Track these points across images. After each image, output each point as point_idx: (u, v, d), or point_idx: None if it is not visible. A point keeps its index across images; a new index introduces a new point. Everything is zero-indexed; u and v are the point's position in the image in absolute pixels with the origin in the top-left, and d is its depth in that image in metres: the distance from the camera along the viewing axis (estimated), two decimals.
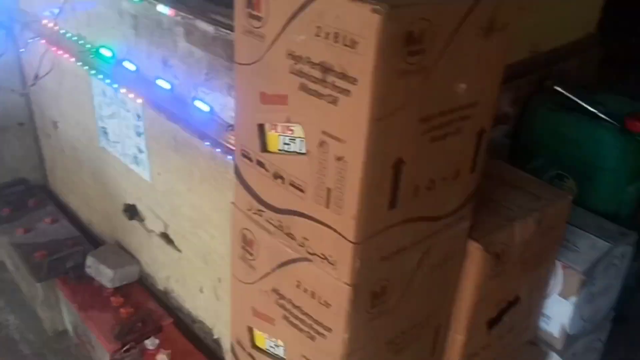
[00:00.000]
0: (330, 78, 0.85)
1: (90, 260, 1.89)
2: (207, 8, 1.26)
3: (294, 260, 1.04)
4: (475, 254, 1.17)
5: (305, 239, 1.00)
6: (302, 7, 0.86)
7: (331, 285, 0.99)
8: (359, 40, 0.80)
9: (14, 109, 2.18)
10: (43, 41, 1.84)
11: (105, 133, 1.78)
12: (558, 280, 1.46)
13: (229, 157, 1.29)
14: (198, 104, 1.37)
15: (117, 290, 1.85)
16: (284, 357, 1.15)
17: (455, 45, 0.88)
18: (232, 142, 1.27)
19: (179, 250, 1.68)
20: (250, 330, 1.22)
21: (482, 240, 1.16)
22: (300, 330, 1.08)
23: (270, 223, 1.06)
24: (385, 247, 0.98)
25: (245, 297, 1.20)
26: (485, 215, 1.22)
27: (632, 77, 2.44)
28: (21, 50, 2.01)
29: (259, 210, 1.08)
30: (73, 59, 1.74)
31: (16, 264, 2.04)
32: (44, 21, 1.83)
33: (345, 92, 0.84)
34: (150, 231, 1.77)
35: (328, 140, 0.90)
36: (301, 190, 0.97)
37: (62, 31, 1.75)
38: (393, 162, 0.90)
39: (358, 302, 0.99)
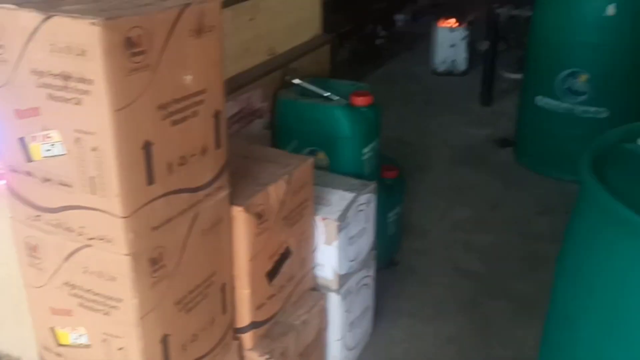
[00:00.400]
0: (72, 84, 1.03)
1: None
2: None
3: (77, 250, 1.19)
4: (239, 216, 1.42)
5: (82, 227, 1.16)
6: (34, 31, 1.03)
7: (112, 260, 1.16)
8: (87, 48, 0.99)
9: None
10: None
11: None
12: (320, 231, 1.78)
13: (2, 181, 1.39)
14: None
15: None
16: (89, 342, 1.29)
17: (172, 45, 1.11)
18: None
19: None
20: (53, 330, 1.32)
21: (243, 204, 1.42)
22: (96, 310, 1.23)
23: (49, 224, 1.20)
24: (153, 218, 1.18)
25: (41, 300, 1.30)
26: (244, 185, 1.48)
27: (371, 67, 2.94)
28: None
29: (37, 216, 1.21)
30: None
31: None
32: None
33: (86, 92, 1.03)
34: None
35: (81, 136, 1.07)
36: (69, 186, 1.13)
37: None
38: (142, 145, 1.11)
39: (139, 269, 1.17)
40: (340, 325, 1.90)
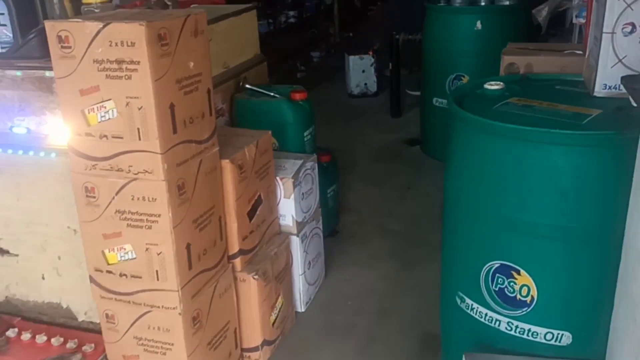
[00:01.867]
0: (124, 65, 1.61)
1: None
2: (9, 61, 1.87)
3: (126, 184, 1.73)
4: (227, 166, 2.01)
5: (131, 166, 1.71)
6: (97, 34, 1.61)
7: (153, 186, 1.71)
8: (136, 41, 1.58)
9: None
10: None
11: None
12: (280, 188, 2.39)
13: (53, 154, 1.90)
14: (16, 129, 1.94)
15: None
16: (135, 256, 1.81)
17: (182, 40, 1.72)
18: (54, 144, 1.90)
19: (15, 255, 2.13)
20: (103, 253, 1.84)
21: (229, 158, 2.01)
22: (141, 227, 1.77)
23: (104, 169, 1.74)
24: (177, 157, 1.75)
25: (94, 231, 1.82)
26: (228, 148, 2.07)
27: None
28: None
29: (93, 165, 1.75)
30: None
31: None
32: None
33: (135, 70, 1.61)
34: None
35: (131, 100, 1.64)
36: (121, 138, 1.69)
37: None
38: (169, 105, 1.69)
39: (171, 191, 1.73)
40: (301, 262, 2.49)
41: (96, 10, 1.90)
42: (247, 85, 2.70)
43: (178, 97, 1.73)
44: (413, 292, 2.66)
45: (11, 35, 1.88)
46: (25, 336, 2.07)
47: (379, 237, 3.15)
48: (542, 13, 3.74)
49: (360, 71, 5.56)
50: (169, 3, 2.32)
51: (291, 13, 6.35)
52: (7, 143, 1.96)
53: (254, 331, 2.21)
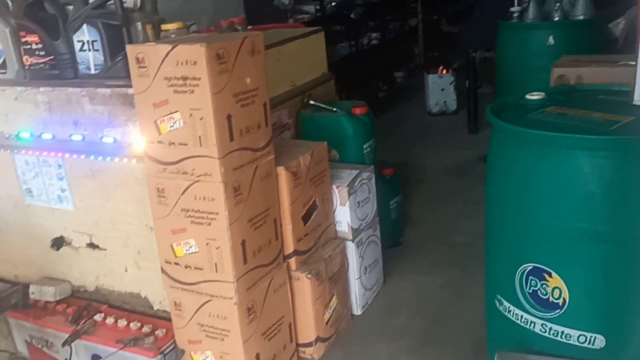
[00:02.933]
0: (188, 81, 1.86)
1: (32, 288, 2.54)
2: (101, 81, 2.20)
3: (190, 185, 1.98)
4: (281, 173, 2.22)
5: (194, 169, 1.96)
6: (166, 56, 1.88)
7: (213, 187, 1.95)
8: (197, 60, 1.83)
9: None
10: None
11: (30, 192, 2.52)
12: (337, 196, 2.56)
13: (134, 161, 2.20)
14: (106, 139, 2.26)
15: (59, 302, 2.52)
16: (197, 250, 2.05)
17: (240, 59, 1.95)
18: (135, 151, 2.19)
19: (103, 249, 2.44)
20: (172, 247, 2.09)
21: (284, 165, 2.22)
22: (202, 224, 2.00)
23: (172, 172, 2.00)
24: (234, 163, 1.97)
25: (164, 227, 2.08)
26: (284, 156, 2.28)
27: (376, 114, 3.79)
28: None
29: (163, 169, 2.01)
30: None
31: None
32: None
33: (197, 85, 1.86)
34: (77, 248, 2.50)
35: (194, 112, 1.89)
36: (186, 144, 1.94)
37: None
38: (226, 116, 1.92)
39: (228, 192, 1.96)
40: (357, 267, 2.63)
41: (172, 36, 2.19)
42: (311, 102, 2.91)
43: (235, 109, 1.96)
44: (470, 300, 2.71)
45: (103, 58, 2.21)
46: (109, 320, 2.37)
47: (442, 249, 3.22)
48: (619, 27, 3.69)
49: (440, 89, 5.63)
50: (238, 28, 2.59)
51: (374, 35, 6.53)
52: (98, 151, 2.28)
53: (308, 327, 2.38)
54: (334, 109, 2.86)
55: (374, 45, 6.49)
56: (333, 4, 5.73)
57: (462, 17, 7.80)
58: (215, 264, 2.03)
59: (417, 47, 7.84)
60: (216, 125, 1.89)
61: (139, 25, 2.20)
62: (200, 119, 1.89)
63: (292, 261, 2.32)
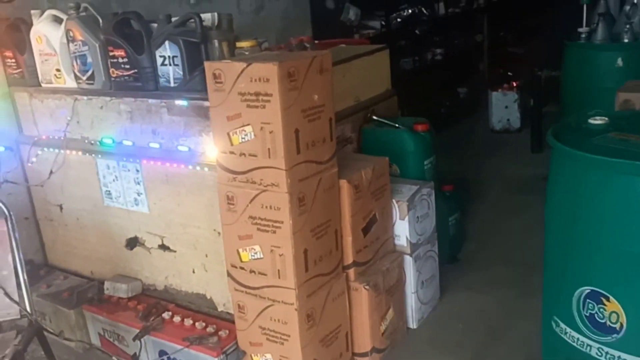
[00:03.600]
0: (260, 97, 1.98)
1: (107, 284, 2.73)
2: (179, 93, 2.36)
3: (258, 194, 2.10)
4: (344, 186, 2.30)
5: (262, 179, 2.07)
6: (241, 72, 2.01)
7: (279, 197, 2.05)
8: (269, 78, 1.95)
9: (21, 207, 3.01)
10: (52, 149, 2.79)
11: (109, 194, 2.71)
12: (396, 210, 2.62)
13: (205, 169, 2.34)
14: (181, 147, 2.42)
15: (131, 298, 2.69)
16: (262, 256, 2.16)
17: (309, 77, 2.06)
18: (207, 160, 2.34)
19: (174, 251, 2.60)
20: (238, 252, 2.21)
21: (346, 178, 2.30)
22: (267, 231, 2.11)
23: (241, 181, 2.12)
24: (299, 174, 2.08)
25: (232, 232, 2.20)
26: (348, 168, 2.36)
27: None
28: (29, 163, 2.91)
29: (234, 178, 2.14)
30: (80, 153, 2.71)
31: (47, 311, 2.78)
32: (50, 136, 2.81)
33: (268, 101, 1.97)
34: (149, 248, 2.67)
35: (264, 126, 2.01)
36: (255, 156, 2.06)
37: (69, 138, 2.73)
38: (294, 130, 2.03)
39: (293, 202, 2.06)
40: (413, 281, 2.68)
41: (246, 53, 2.32)
42: (374, 117, 2.99)
43: (302, 124, 2.06)
44: (527, 318, 2.70)
45: (182, 73, 2.36)
46: (176, 319, 2.51)
47: (500, 266, 3.22)
48: None
49: (503, 107, 5.59)
50: (307, 45, 2.70)
51: (438, 50, 6.54)
52: (173, 158, 2.44)
53: (364, 337, 2.45)
54: (396, 125, 2.93)
55: (437, 60, 6.50)
56: (398, 19, 5.80)
57: (527, 35, 7.72)
58: (278, 271, 2.13)
59: (482, 63, 7.79)
60: (284, 138, 1.99)
61: (215, 42, 2.34)
62: (270, 132, 2.00)
63: (351, 272, 2.39)
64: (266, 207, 2.09)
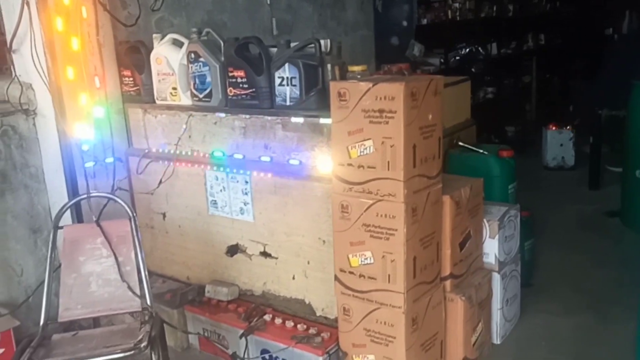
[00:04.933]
0: (384, 114, 2.18)
1: (208, 287, 2.91)
2: (295, 111, 2.58)
3: (373, 204, 2.27)
4: (447, 201, 2.47)
5: (378, 190, 2.25)
6: (366, 91, 2.21)
7: (394, 207, 2.23)
8: (395, 96, 2.15)
9: (123, 215, 3.23)
10: (161, 161, 3.02)
11: (215, 203, 2.91)
12: (487, 229, 2.77)
13: (315, 181, 2.54)
14: (292, 161, 2.62)
15: (230, 302, 2.86)
16: (372, 261, 2.33)
17: (426, 98, 2.26)
18: (317, 173, 2.53)
19: (275, 258, 2.77)
20: (347, 257, 2.38)
21: (450, 195, 2.47)
22: (380, 238, 2.28)
23: (357, 191, 2.30)
24: (413, 186, 2.26)
25: (343, 239, 2.37)
26: (449, 188, 2.53)
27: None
28: (138, 173, 3.14)
29: (350, 188, 2.32)
30: (189, 165, 2.93)
31: None
32: (160, 149, 3.04)
33: (391, 117, 2.17)
34: (250, 255, 2.85)
35: (385, 140, 2.20)
36: (374, 168, 2.25)
37: (179, 151, 2.96)
38: (412, 145, 2.22)
39: (407, 212, 2.23)
40: (500, 297, 2.81)
41: (358, 76, 2.54)
42: (460, 143, 3.18)
43: (419, 140, 2.25)
44: (607, 345, 2.80)
45: (298, 92, 2.58)
46: (277, 320, 2.68)
47: (572, 294, 3.33)
48: None
49: (558, 145, 5.74)
50: (405, 73, 2.92)
51: (490, 89, 6.76)
52: (284, 171, 2.65)
53: (457, 346, 2.57)
54: (482, 151, 3.11)
55: (489, 99, 6.72)
56: (456, 57, 6.05)
57: (574, 75, 7.92)
58: (389, 275, 2.29)
59: (529, 104, 7.98)
60: (405, 152, 2.18)
61: (329, 66, 2.57)
62: (391, 146, 2.19)
63: (448, 283, 2.54)
64: (381, 215, 2.27)
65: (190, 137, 2.96)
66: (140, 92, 3.11)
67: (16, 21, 2.78)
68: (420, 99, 2.22)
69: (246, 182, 2.79)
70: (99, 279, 2.51)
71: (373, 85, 2.20)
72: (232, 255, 2.93)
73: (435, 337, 2.49)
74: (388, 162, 2.22)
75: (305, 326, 2.61)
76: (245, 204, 2.83)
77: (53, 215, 2.93)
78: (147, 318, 2.39)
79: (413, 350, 2.35)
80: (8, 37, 2.91)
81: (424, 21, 5.50)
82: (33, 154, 3.01)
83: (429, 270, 2.41)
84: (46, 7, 2.76)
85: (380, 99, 2.19)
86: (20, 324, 2.74)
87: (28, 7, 2.74)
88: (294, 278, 2.76)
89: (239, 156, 2.81)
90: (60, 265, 2.52)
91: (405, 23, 5.29)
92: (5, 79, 3.04)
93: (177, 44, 2.96)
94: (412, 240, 2.27)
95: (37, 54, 2.78)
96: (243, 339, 2.63)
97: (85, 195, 2.67)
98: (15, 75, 2.98)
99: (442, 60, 5.79)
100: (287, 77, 2.60)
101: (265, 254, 2.83)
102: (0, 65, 3.25)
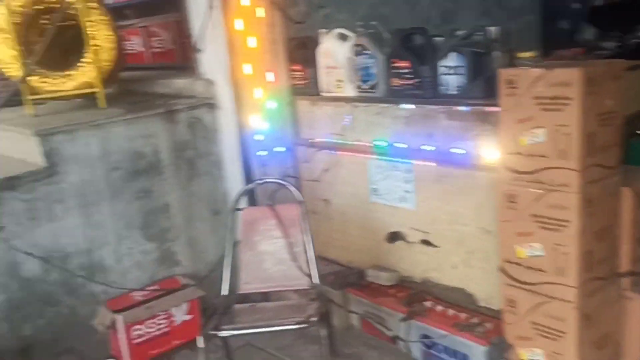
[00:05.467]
0: (558, 101, 2.10)
1: (370, 271, 3.03)
2: (459, 100, 2.58)
3: (545, 194, 2.20)
4: (627, 193, 2.31)
5: (551, 179, 2.18)
6: (539, 78, 2.15)
7: (568, 197, 2.14)
8: (571, 82, 2.06)
9: (289, 201, 3.47)
10: (326, 150, 3.19)
11: (376, 191, 3.02)
12: None
13: (480, 170, 2.52)
14: (454, 150, 2.63)
15: (390, 287, 2.96)
16: (542, 253, 2.26)
17: (605, 83, 2.13)
18: (482, 162, 2.51)
19: (436, 246, 2.81)
20: (514, 248, 2.33)
21: (630, 186, 2.32)
22: (550, 229, 2.21)
23: (526, 181, 2.25)
24: (589, 177, 2.15)
25: (510, 229, 2.33)
26: (629, 178, 2.37)
27: None
28: (304, 162, 3.34)
29: (518, 178, 2.27)
30: (353, 154, 3.07)
31: None
32: (325, 139, 3.21)
33: (567, 104, 2.09)
34: (411, 243, 2.92)
35: (559, 128, 2.12)
36: (546, 157, 2.18)
37: (343, 141, 3.10)
38: (588, 133, 2.12)
39: (582, 203, 2.13)
40: None
41: (528, 62, 2.46)
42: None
43: (596, 128, 2.14)
44: None
45: (464, 81, 2.58)
46: (438, 308, 2.71)
47: None
48: None
49: None
50: (579, 58, 2.76)
51: None
52: (448, 160, 2.66)
53: (635, 348, 2.41)
54: None
55: None
56: (636, 39, 5.53)
57: None
58: (560, 268, 2.21)
59: None
60: (580, 140, 2.09)
61: (499, 53, 2.52)
62: (566, 134, 2.11)
63: (626, 280, 2.38)
64: (552, 206, 2.19)
65: (354, 127, 3.08)
66: (308, 85, 3.30)
67: (202, 23, 3.09)
68: (598, 84, 2.11)
69: (409, 170, 2.84)
70: (272, 258, 2.73)
71: (547, 71, 2.13)
72: (392, 242, 3.01)
73: (609, 337, 2.35)
74: (562, 150, 2.14)
75: (466, 315, 2.61)
76: (406, 192, 2.88)
77: (229, 199, 3.23)
78: (315, 296, 2.56)
79: (585, 347, 2.25)
80: (194, 39, 3.25)
81: (598, 2, 5.11)
82: (214, 144, 3.33)
83: (604, 265, 2.28)
84: (228, 10, 3.03)
85: (554, 85, 2.11)
86: (205, 294, 3.07)
87: (213, 10, 3.03)
88: (455, 267, 2.77)
89: (401, 145, 2.87)
90: (237, 243, 2.77)
91: (576, 5, 4.96)
92: (191, 76, 3.40)
93: (342, 38, 3.09)
94: (586, 232, 2.17)
95: (219, 52, 3.07)
96: (403, 322, 2.70)
97: (260, 181, 2.91)
98: (200, 72, 3.31)
99: (620, 44, 5.33)
100: (453, 66, 2.60)
101: (426, 242, 2.87)
102: (186, 64, 3.64)
